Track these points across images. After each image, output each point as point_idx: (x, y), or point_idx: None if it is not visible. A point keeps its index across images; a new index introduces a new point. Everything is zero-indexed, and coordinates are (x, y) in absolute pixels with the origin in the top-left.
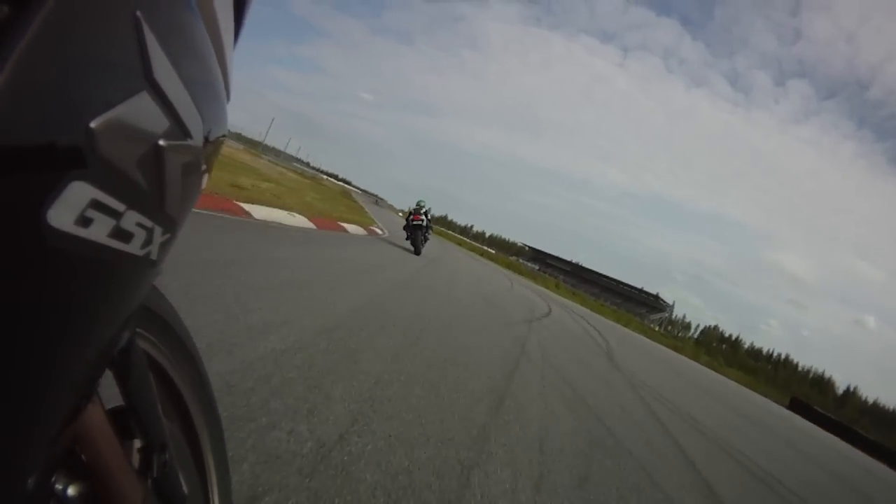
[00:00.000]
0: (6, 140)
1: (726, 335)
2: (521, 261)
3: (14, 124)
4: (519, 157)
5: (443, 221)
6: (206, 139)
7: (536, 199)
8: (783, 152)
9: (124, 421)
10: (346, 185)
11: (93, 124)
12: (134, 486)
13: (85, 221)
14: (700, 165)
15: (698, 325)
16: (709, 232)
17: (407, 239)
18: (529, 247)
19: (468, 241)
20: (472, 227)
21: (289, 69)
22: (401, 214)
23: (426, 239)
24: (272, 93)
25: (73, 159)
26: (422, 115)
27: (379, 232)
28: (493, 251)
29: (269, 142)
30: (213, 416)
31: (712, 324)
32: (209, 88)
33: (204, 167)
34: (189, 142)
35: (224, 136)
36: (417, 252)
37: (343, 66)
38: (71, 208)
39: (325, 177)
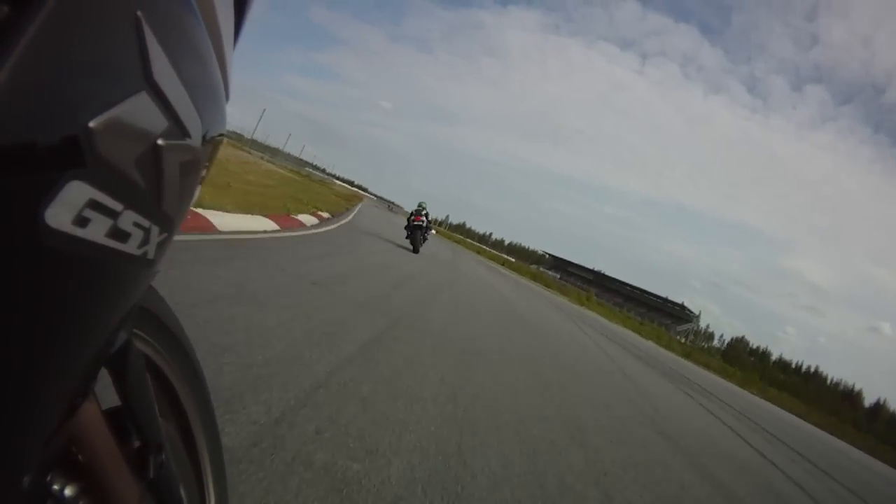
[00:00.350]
0: (5, 139)
1: (753, 346)
2: (542, 270)
3: (13, 123)
4: (537, 165)
5: (461, 229)
6: (205, 139)
7: (555, 207)
8: (800, 158)
9: (121, 422)
10: (359, 191)
11: (92, 124)
12: (130, 486)
13: (82, 221)
14: (718, 172)
15: (721, 335)
16: (727, 239)
17: (407, 238)
18: (550, 255)
19: (487, 248)
20: (490, 234)
21: (306, 76)
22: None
23: (425, 238)
24: (289, 100)
25: (72, 159)
26: (441, 123)
27: (326, 215)
28: (513, 259)
29: (279, 146)
30: (210, 417)
31: (738, 334)
32: (208, 89)
33: (202, 167)
34: (187, 141)
35: (223, 135)
36: (416, 250)
37: (361, 74)
38: (69, 208)
39: (337, 182)
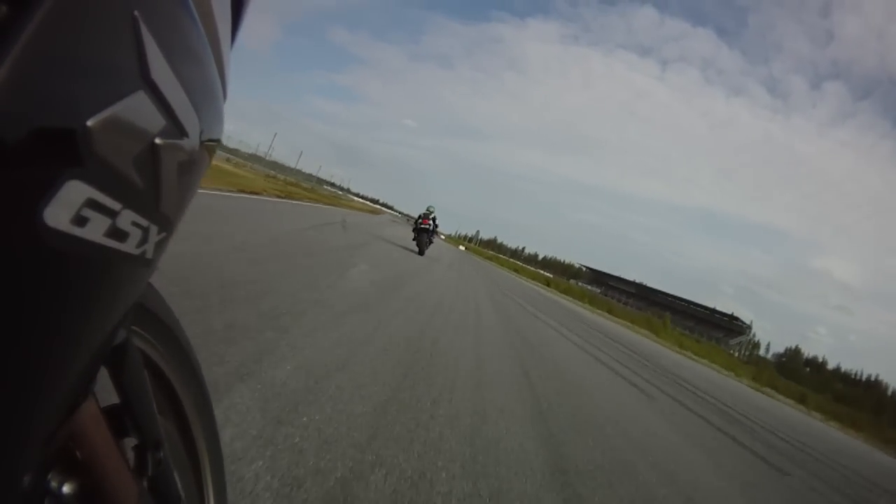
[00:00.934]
0: (3, 139)
1: (810, 356)
2: (580, 284)
3: (11, 123)
4: (564, 177)
5: (492, 245)
6: (203, 138)
7: (583, 218)
8: (823, 157)
9: (119, 419)
10: (382, 207)
11: (89, 123)
12: (129, 484)
13: (81, 220)
14: (744, 175)
15: (769, 344)
16: (755, 242)
17: (413, 240)
18: (588, 268)
19: (521, 264)
20: (523, 249)
21: (329, 98)
22: (443, 238)
23: (431, 241)
24: (314, 123)
25: (70, 158)
26: (465, 139)
27: None
28: (551, 275)
29: (299, 165)
30: (208, 414)
31: (769, 338)
32: (206, 88)
33: (200, 166)
34: (185, 141)
35: (220, 135)
36: (421, 252)
37: (384, 94)
38: (67, 207)
39: (355, 198)
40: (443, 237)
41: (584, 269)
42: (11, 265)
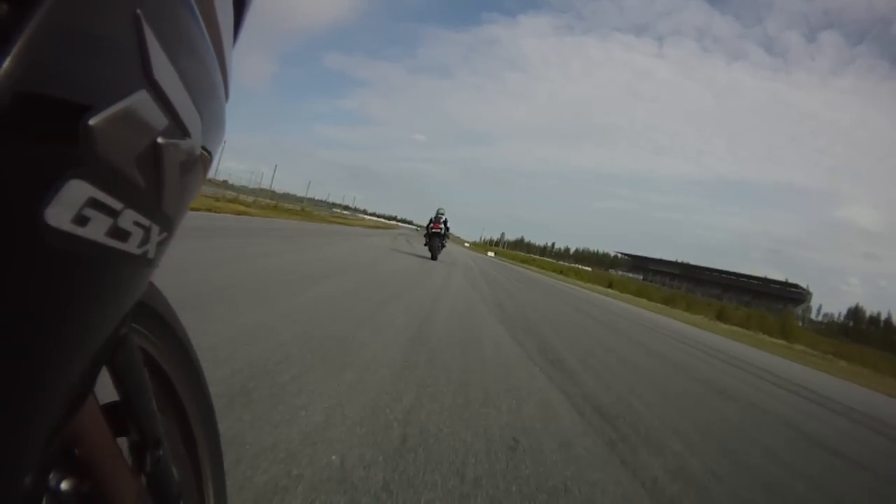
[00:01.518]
0: (4, 137)
1: (872, 314)
2: (620, 273)
3: (12, 122)
4: (579, 167)
5: (520, 245)
6: (205, 138)
7: (604, 206)
8: (829, 108)
9: (119, 416)
10: (401, 224)
11: (91, 122)
12: (128, 481)
13: (82, 220)
14: (755, 138)
15: (820, 307)
16: (776, 203)
17: (425, 245)
18: (624, 254)
19: (564, 264)
20: (552, 244)
21: (335, 125)
22: (467, 245)
23: (443, 246)
24: (322, 150)
25: (72, 157)
26: (477, 145)
27: None
28: (589, 269)
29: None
30: (208, 411)
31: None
32: (208, 88)
33: (202, 166)
34: (187, 141)
35: (223, 135)
36: (434, 257)
37: (389, 112)
38: (68, 207)
39: (367, 217)
40: (467, 245)
41: (620, 256)
42: (13, 265)
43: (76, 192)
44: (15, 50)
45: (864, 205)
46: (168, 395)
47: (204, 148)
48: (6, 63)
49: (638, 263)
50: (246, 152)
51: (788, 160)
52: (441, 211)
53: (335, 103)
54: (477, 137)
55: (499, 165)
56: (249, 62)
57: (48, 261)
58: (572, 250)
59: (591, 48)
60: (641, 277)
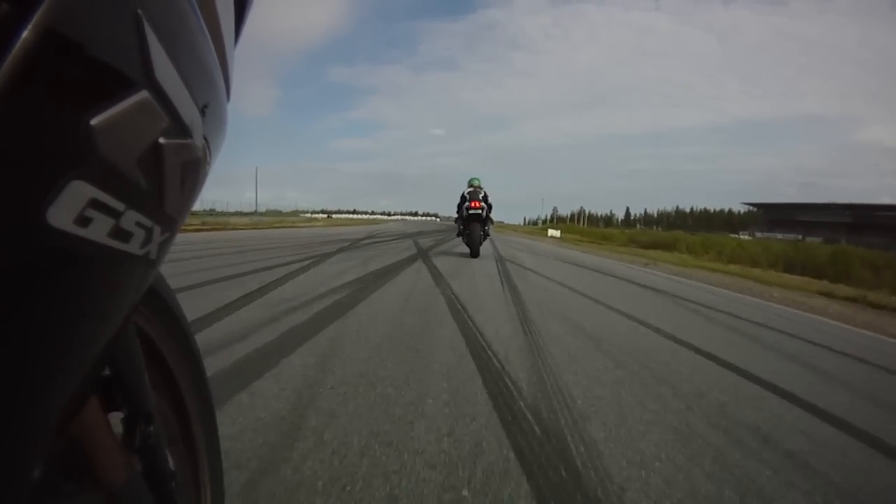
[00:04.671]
0: (6, 138)
1: None
2: (756, 235)
3: (14, 122)
4: (602, 134)
5: (579, 218)
6: (206, 138)
7: (633, 167)
8: (831, 32)
9: (109, 390)
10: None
11: (93, 123)
12: (117, 457)
13: (84, 221)
14: (766, 75)
15: None
16: (798, 136)
17: (459, 235)
18: (756, 205)
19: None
20: (612, 214)
21: (351, 136)
22: (554, 235)
23: (486, 235)
24: (342, 164)
25: (73, 158)
26: (496, 130)
27: None
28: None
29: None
30: (203, 389)
31: None
32: (210, 88)
33: (204, 166)
34: (189, 141)
35: (224, 135)
36: (475, 253)
37: (402, 114)
38: (70, 207)
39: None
40: (554, 234)
41: (751, 208)
42: (15, 265)
43: (78, 192)
44: (15, 50)
45: (885, 123)
46: (162, 373)
47: (205, 148)
48: (7, 63)
49: (776, 217)
50: (268, 181)
51: (801, 91)
52: (475, 182)
53: (347, 115)
54: (495, 122)
55: (521, 145)
56: (250, 90)
57: (50, 262)
58: (651, 215)
59: (588, 14)
60: (780, 236)
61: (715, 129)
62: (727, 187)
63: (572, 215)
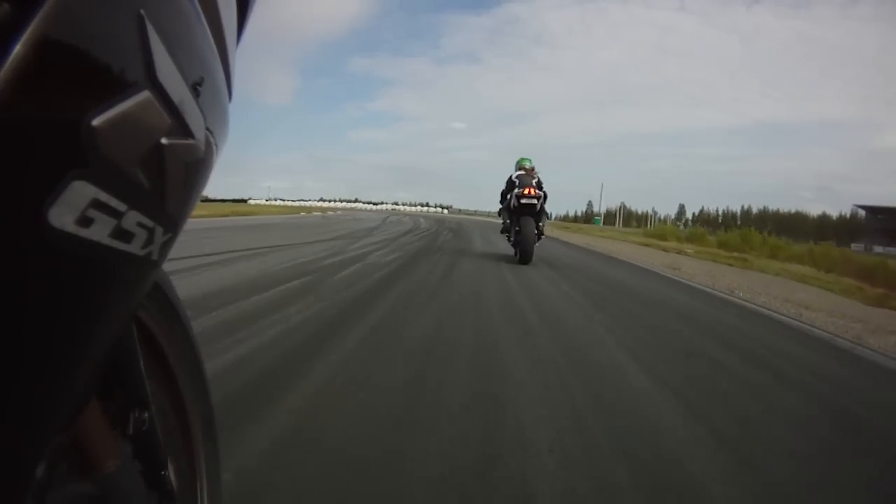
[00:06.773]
0: (7, 138)
1: None
2: (870, 249)
3: (15, 122)
4: (622, 132)
5: (611, 216)
6: (209, 139)
7: (651, 167)
8: (853, 37)
9: (102, 377)
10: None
11: (95, 123)
12: (109, 443)
13: (86, 221)
14: (786, 79)
15: None
16: (817, 140)
17: (505, 232)
18: (870, 209)
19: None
20: (654, 211)
21: (371, 127)
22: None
23: (541, 234)
24: (361, 155)
25: (75, 158)
26: (517, 125)
27: None
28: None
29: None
30: (200, 378)
31: None
32: (212, 88)
33: (206, 167)
34: (191, 141)
35: (226, 135)
36: (526, 259)
37: (423, 106)
38: (72, 208)
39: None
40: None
41: (862, 213)
42: (16, 266)
43: (80, 193)
44: (17, 50)
45: None
46: (157, 361)
47: (208, 148)
48: (8, 63)
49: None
50: (287, 170)
51: (821, 96)
52: (525, 163)
53: (366, 106)
54: (516, 117)
55: (542, 141)
56: (270, 79)
57: (52, 262)
58: (707, 213)
59: (612, 12)
60: None
61: (734, 131)
62: (745, 189)
63: (608, 212)
